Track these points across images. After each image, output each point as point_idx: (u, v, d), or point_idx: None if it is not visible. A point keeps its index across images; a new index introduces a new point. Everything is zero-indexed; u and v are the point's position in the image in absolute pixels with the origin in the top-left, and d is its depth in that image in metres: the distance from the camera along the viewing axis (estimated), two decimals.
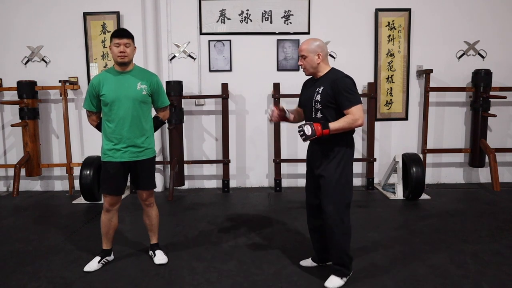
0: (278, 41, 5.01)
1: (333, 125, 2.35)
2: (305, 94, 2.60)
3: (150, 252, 3.04)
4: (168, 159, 4.95)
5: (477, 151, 4.99)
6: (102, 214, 2.88)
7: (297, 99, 2.84)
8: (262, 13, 4.97)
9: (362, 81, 5.03)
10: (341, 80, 2.38)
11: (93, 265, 2.83)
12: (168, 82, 4.73)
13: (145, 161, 2.81)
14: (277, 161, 4.89)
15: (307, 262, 2.85)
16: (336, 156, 2.46)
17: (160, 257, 2.94)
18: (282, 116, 2.71)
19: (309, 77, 2.63)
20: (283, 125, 4.93)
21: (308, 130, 2.35)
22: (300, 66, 2.56)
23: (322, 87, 2.43)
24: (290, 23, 4.98)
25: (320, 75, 2.50)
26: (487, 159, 4.98)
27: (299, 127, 2.41)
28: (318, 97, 2.44)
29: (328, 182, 2.45)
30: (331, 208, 2.44)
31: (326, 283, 2.54)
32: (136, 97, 2.69)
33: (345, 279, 2.56)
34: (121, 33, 2.66)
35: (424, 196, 4.58)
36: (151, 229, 3.03)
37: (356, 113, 2.34)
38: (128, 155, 2.73)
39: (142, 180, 2.85)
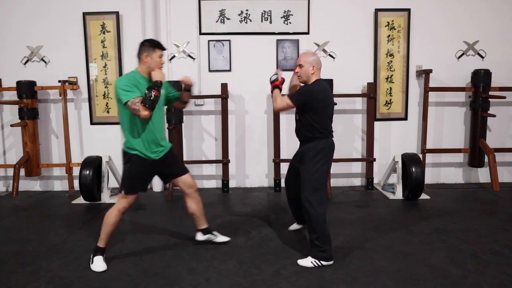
0: (278, 41, 5.01)
1: (274, 91, 3.02)
2: None
3: (207, 236, 3.21)
4: None
5: (477, 151, 4.99)
6: (116, 216, 2.82)
7: None
8: (262, 13, 4.97)
9: (361, 81, 5.03)
10: (303, 87, 2.97)
11: (102, 264, 2.83)
12: (167, 82, 4.72)
13: (169, 152, 2.99)
14: (277, 161, 4.89)
15: (294, 226, 3.55)
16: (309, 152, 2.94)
17: (223, 237, 3.23)
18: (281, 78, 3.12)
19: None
20: (283, 125, 4.94)
21: (273, 78, 3.07)
22: (296, 74, 2.99)
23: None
24: (290, 23, 4.99)
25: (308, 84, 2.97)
26: (486, 159, 4.98)
27: (276, 73, 3.10)
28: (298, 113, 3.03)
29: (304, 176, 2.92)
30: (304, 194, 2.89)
31: (299, 260, 2.91)
32: (162, 101, 2.91)
33: (316, 261, 2.83)
34: (164, 47, 2.87)
35: (424, 196, 4.59)
36: (200, 214, 3.16)
37: (282, 99, 2.93)
38: (161, 153, 2.89)
39: (180, 166, 3.07)
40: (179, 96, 3.13)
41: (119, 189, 2.90)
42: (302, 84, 3.04)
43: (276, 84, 3.04)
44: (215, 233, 3.27)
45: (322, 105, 2.87)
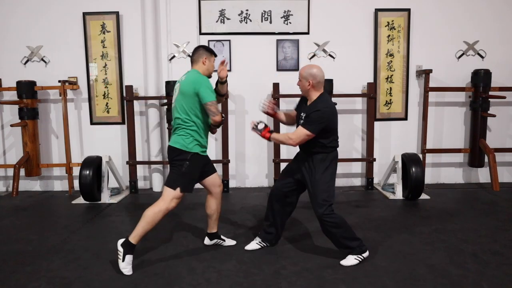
0: (278, 41, 5.01)
1: (274, 136, 2.88)
2: (297, 110, 3.01)
3: (214, 240, 3.21)
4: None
5: (477, 151, 4.99)
6: (163, 215, 2.76)
7: (297, 99, 3.05)
8: (262, 13, 4.97)
9: (361, 81, 5.03)
10: (313, 113, 2.76)
11: (130, 268, 2.76)
12: (167, 82, 4.73)
13: None
14: (277, 161, 4.89)
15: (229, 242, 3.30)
16: (320, 164, 2.86)
17: (230, 241, 3.25)
18: (273, 109, 3.05)
19: None
20: (283, 125, 4.93)
21: (260, 127, 2.90)
22: (298, 85, 2.92)
23: (304, 115, 2.83)
24: (290, 23, 4.99)
25: (309, 102, 2.87)
26: (486, 159, 4.98)
27: (260, 121, 2.94)
28: (301, 122, 2.86)
29: (314, 185, 2.83)
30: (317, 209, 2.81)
31: (342, 261, 2.88)
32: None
33: (359, 257, 2.87)
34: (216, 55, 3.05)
35: (424, 196, 4.59)
36: (217, 216, 3.15)
37: (296, 134, 2.78)
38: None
39: (212, 165, 3.11)
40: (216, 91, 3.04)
41: (172, 187, 2.78)
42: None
43: (264, 136, 2.89)
44: (223, 237, 3.27)
45: (333, 125, 2.84)
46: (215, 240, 3.23)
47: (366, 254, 2.91)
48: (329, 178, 2.84)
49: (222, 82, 3.01)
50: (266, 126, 2.91)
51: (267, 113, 3.08)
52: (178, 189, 2.78)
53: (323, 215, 2.77)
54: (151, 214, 2.75)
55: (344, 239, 2.86)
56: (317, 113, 2.74)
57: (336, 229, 2.82)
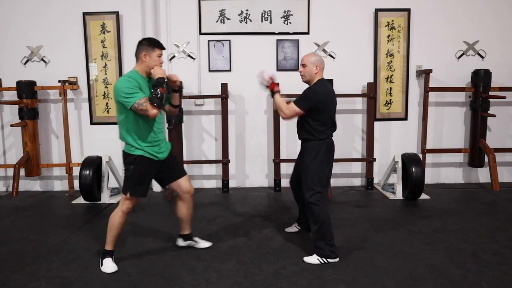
0: (278, 41, 5.01)
1: (277, 97, 2.98)
2: None
3: (187, 242, 3.18)
4: None
5: (477, 151, 4.99)
6: (120, 217, 2.78)
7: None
8: (262, 13, 4.97)
9: (361, 81, 5.03)
10: (306, 90, 2.93)
11: (112, 265, 2.81)
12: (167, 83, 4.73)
13: (170, 153, 2.96)
14: (277, 161, 4.89)
15: (291, 228, 3.52)
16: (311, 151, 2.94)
17: (204, 242, 3.20)
18: (272, 81, 3.06)
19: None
20: (283, 125, 4.94)
21: (274, 79, 3.04)
22: (300, 73, 3.00)
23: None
24: (290, 23, 4.99)
25: (311, 84, 2.97)
26: (486, 159, 4.98)
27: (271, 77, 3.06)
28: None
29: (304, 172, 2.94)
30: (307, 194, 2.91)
31: (305, 258, 2.95)
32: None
33: (322, 259, 2.88)
34: (163, 46, 2.77)
35: (424, 196, 4.59)
36: (188, 219, 3.13)
37: (289, 108, 2.89)
38: (164, 153, 2.87)
39: (179, 168, 3.02)
40: (169, 100, 2.94)
41: (123, 191, 2.81)
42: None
43: (272, 89, 3.01)
44: (196, 239, 3.21)
45: (326, 106, 2.88)
46: (188, 242, 3.19)
47: (332, 260, 2.88)
48: (319, 165, 2.89)
49: (173, 90, 2.84)
50: (278, 84, 3.02)
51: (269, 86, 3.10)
52: (128, 194, 2.77)
53: (308, 202, 2.88)
54: (111, 219, 2.83)
55: (316, 234, 2.90)
56: (309, 90, 2.90)
57: (313, 223, 2.90)
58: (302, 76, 2.99)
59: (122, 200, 2.82)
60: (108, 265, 2.81)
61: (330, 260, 2.86)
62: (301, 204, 3.33)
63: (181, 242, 3.21)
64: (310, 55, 2.97)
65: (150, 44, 2.70)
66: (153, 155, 2.77)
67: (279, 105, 2.94)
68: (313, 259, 2.88)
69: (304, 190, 2.93)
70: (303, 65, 2.95)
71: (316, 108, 2.85)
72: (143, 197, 2.84)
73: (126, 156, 2.78)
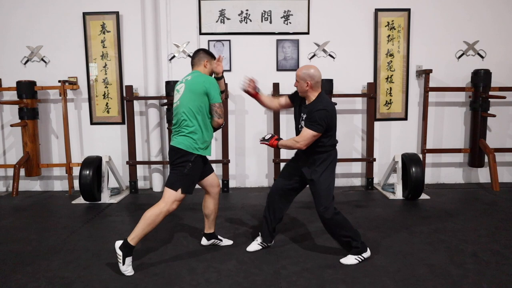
0: (278, 41, 5.01)
1: (282, 142, 2.88)
2: (295, 109, 3.00)
3: (212, 240, 3.21)
4: (168, 159, 4.95)
5: (477, 151, 4.99)
6: (163, 217, 2.74)
7: None
8: (262, 13, 4.97)
9: (361, 81, 5.03)
10: (316, 113, 2.73)
11: (131, 269, 2.76)
12: (167, 82, 4.73)
13: None
14: (277, 161, 4.89)
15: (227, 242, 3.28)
16: (321, 164, 2.86)
17: (227, 240, 3.26)
18: (254, 88, 3.05)
19: None
20: (283, 125, 4.94)
21: (267, 137, 2.94)
22: (296, 87, 2.90)
23: (305, 116, 2.84)
24: (290, 23, 4.99)
25: (308, 102, 2.85)
26: (486, 159, 4.99)
27: (267, 134, 3.07)
28: (302, 123, 2.86)
29: (316, 185, 2.84)
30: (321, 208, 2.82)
31: (341, 260, 2.91)
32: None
33: (359, 257, 2.89)
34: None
35: (424, 196, 4.59)
36: (214, 216, 3.15)
37: (303, 136, 2.75)
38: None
39: (209, 165, 3.08)
40: None
41: (173, 187, 2.75)
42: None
43: (272, 144, 2.91)
44: (220, 237, 3.28)
45: (334, 122, 2.85)
46: (212, 240, 3.23)
47: (366, 254, 2.92)
48: (330, 178, 2.86)
49: (218, 77, 3.01)
50: (273, 135, 2.95)
51: (247, 92, 3.07)
52: (179, 191, 2.77)
53: (326, 218, 2.80)
54: (152, 216, 2.72)
55: (346, 237, 2.87)
56: (321, 112, 2.72)
57: (338, 228, 2.86)
58: (297, 90, 2.91)
59: (169, 200, 2.75)
60: (129, 269, 2.73)
61: (364, 255, 2.91)
62: (278, 216, 3.07)
63: (204, 241, 3.23)
64: (301, 70, 2.81)
65: (209, 55, 2.99)
66: (207, 153, 2.90)
67: (289, 145, 2.84)
68: (351, 259, 2.88)
69: (321, 208, 2.80)
70: (296, 80, 2.85)
71: (328, 127, 2.78)
72: (190, 194, 2.89)
73: (184, 153, 2.77)
